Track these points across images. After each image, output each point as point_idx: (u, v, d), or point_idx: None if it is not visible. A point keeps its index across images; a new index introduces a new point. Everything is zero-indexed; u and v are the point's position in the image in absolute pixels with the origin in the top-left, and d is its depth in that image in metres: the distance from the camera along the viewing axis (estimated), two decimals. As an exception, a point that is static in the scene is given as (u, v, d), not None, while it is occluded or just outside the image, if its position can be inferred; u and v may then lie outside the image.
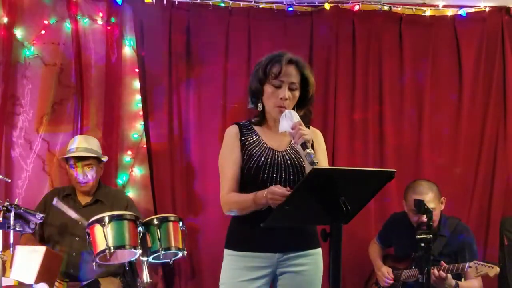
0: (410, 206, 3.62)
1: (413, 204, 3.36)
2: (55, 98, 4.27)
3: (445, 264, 3.44)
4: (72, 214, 3.57)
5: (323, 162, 2.59)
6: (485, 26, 4.56)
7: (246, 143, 2.53)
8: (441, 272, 3.39)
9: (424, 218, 3.18)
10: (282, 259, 2.49)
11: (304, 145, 2.24)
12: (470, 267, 3.39)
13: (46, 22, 4.29)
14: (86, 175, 3.70)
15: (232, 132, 2.58)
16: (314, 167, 2.02)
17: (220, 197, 2.53)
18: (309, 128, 2.60)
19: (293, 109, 2.49)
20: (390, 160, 4.46)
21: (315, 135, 2.60)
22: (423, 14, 4.58)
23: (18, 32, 4.24)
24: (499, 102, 4.56)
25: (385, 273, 3.82)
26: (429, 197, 3.60)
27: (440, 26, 4.57)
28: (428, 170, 4.44)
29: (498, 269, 3.35)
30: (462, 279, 3.60)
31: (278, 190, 2.24)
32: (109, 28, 4.33)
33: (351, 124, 4.49)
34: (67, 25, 4.31)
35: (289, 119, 2.34)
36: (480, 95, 4.56)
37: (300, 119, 2.35)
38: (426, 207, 3.14)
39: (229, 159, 2.53)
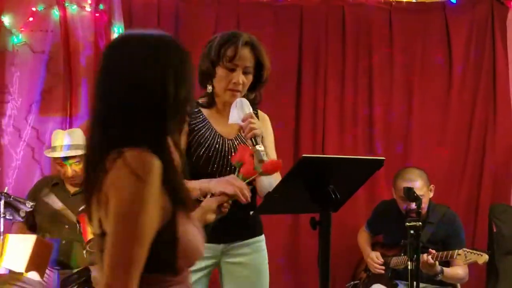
0: (399, 193, 3.64)
1: (402, 192, 3.37)
2: (43, 85, 4.24)
3: (434, 251, 3.46)
4: (58, 204, 3.58)
5: (269, 148, 2.45)
6: (475, 13, 4.56)
7: (195, 129, 2.40)
8: (429, 258, 3.41)
9: (413, 206, 3.21)
10: (225, 249, 2.46)
11: (253, 140, 2.15)
12: (459, 254, 3.41)
13: (34, 9, 4.24)
14: (75, 171, 3.68)
15: None
16: (303, 155, 2.02)
17: None
18: (257, 111, 2.50)
19: (245, 94, 2.40)
20: (380, 148, 4.47)
21: (263, 121, 2.51)
22: (413, 1, 4.57)
23: (6, 19, 4.20)
24: (489, 88, 4.57)
25: (374, 258, 3.84)
26: (418, 184, 3.61)
27: (430, 13, 4.56)
28: (417, 158, 4.45)
29: (487, 256, 3.37)
30: (450, 266, 3.64)
31: (239, 181, 2.06)
32: (97, 15, 4.29)
33: (340, 111, 4.48)
34: (55, 12, 4.26)
35: (240, 110, 2.24)
36: (470, 82, 4.57)
37: (251, 110, 2.27)
38: (415, 194, 3.16)
39: None
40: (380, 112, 4.52)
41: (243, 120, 2.22)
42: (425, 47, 4.56)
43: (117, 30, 4.34)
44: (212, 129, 2.42)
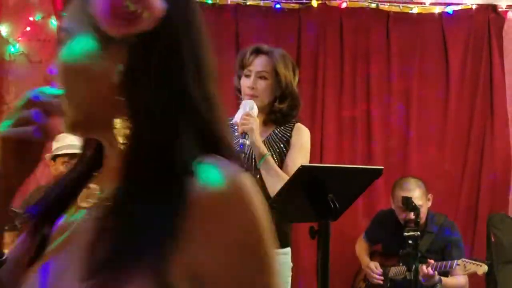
0: (397, 203, 3.63)
1: (401, 201, 3.36)
2: (40, 95, 4.23)
3: (433, 262, 3.44)
4: None
5: (296, 158, 2.48)
6: (472, 24, 4.58)
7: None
8: (428, 269, 3.39)
9: (412, 215, 3.20)
10: None
11: (242, 135, 2.30)
12: (458, 264, 3.39)
13: (31, 18, 4.24)
14: (61, 171, 3.66)
15: None
16: (302, 164, 2.02)
17: None
18: (294, 124, 2.55)
19: (275, 100, 2.49)
20: (378, 157, 4.47)
21: (297, 130, 2.55)
22: (410, 11, 4.59)
23: (3, 29, 4.20)
24: (486, 98, 4.58)
25: (373, 268, 3.82)
26: (417, 194, 3.60)
27: (427, 24, 4.58)
28: (416, 167, 4.45)
29: (486, 267, 3.35)
30: (449, 276, 3.62)
31: None
32: (95, 24, 4.30)
33: (339, 121, 4.49)
34: (53, 22, 4.26)
35: (242, 110, 2.38)
36: (467, 92, 4.58)
37: (253, 110, 2.37)
38: (413, 204, 3.15)
39: None
40: (378, 122, 4.52)
41: (240, 119, 2.35)
42: (422, 57, 4.57)
43: (114, 40, 4.35)
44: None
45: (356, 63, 4.52)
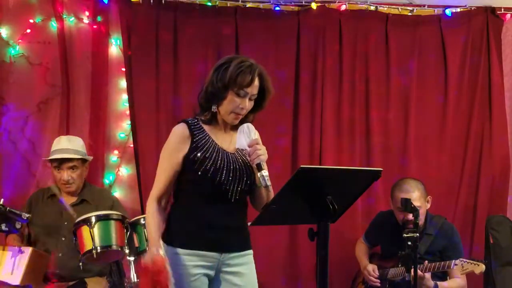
0: (396, 204, 3.64)
1: (400, 203, 3.37)
2: (40, 97, 4.24)
3: (427, 263, 3.45)
4: (70, 210, 3.57)
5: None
6: (470, 26, 4.60)
7: (199, 145, 2.46)
8: (418, 271, 3.39)
9: (410, 217, 3.20)
10: (225, 258, 2.46)
11: (259, 166, 2.29)
12: (456, 264, 3.40)
13: (31, 20, 4.26)
14: (71, 177, 3.66)
15: (181, 132, 2.49)
16: (301, 166, 2.02)
17: (150, 195, 2.52)
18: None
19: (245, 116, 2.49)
20: (377, 159, 4.48)
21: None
22: (409, 14, 4.60)
23: (3, 31, 4.21)
24: (485, 100, 4.59)
25: (370, 271, 3.83)
26: (415, 195, 3.61)
27: (426, 26, 4.60)
28: (414, 169, 4.46)
29: (483, 266, 3.36)
30: (448, 278, 3.63)
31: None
32: (95, 27, 4.31)
33: (338, 123, 4.50)
34: (53, 24, 4.28)
35: (247, 136, 2.36)
36: (466, 94, 4.60)
37: (258, 136, 2.39)
38: (412, 205, 3.16)
39: (168, 161, 2.49)
40: (378, 124, 4.54)
41: (249, 146, 2.33)
42: (421, 59, 4.59)
43: (115, 42, 4.36)
44: (215, 144, 2.49)
45: (355, 65, 4.53)
